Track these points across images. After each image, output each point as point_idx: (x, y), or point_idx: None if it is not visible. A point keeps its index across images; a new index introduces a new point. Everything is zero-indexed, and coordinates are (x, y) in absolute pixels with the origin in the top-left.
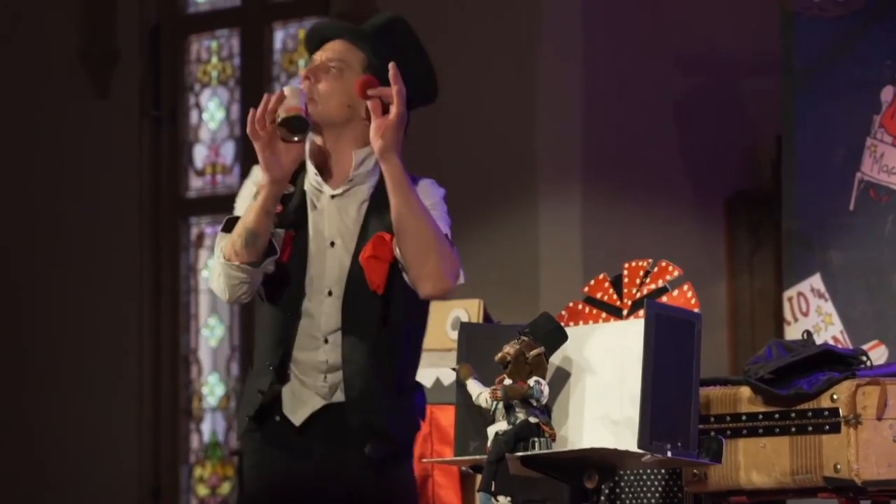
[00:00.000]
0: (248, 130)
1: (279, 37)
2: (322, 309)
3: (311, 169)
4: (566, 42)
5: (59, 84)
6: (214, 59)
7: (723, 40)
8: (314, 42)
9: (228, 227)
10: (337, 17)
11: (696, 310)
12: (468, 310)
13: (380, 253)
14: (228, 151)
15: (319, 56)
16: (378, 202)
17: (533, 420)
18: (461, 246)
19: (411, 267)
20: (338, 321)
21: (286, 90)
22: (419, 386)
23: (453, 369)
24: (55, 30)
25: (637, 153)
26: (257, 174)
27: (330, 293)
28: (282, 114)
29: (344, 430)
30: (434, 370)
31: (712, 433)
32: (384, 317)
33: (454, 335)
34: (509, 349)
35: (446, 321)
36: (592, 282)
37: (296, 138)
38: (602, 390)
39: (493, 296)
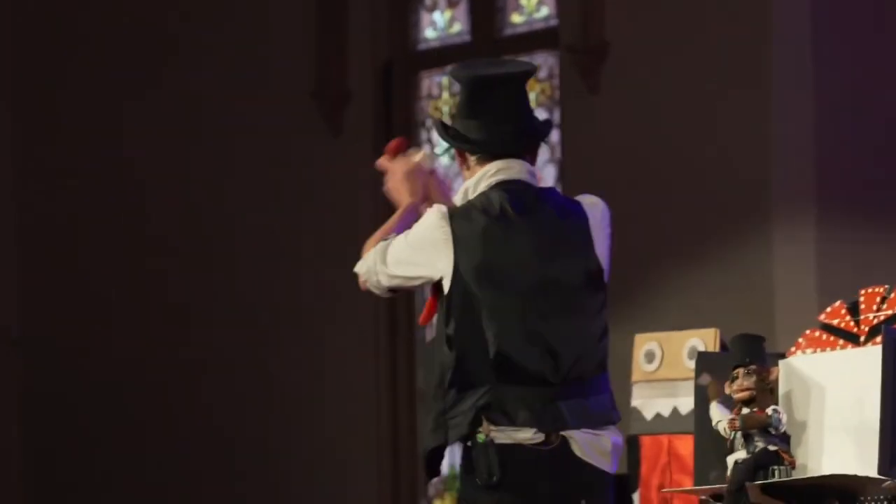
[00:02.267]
0: None
1: None
2: None
3: None
4: (798, 64)
5: (292, 124)
6: (445, 95)
7: None
8: None
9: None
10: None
11: None
12: (704, 339)
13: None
14: (459, 186)
15: None
16: None
17: (772, 448)
18: (694, 274)
19: None
20: None
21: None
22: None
23: (701, 385)
24: (288, 70)
25: (872, 175)
26: None
27: None
28: None
29: None
30: (671, 400)
31: None
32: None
33: (691, 364)
34: (747, 384)
35: (683, 351)
36: (829, 309)
37: None
38: (840, 417)
39: (729, 324)
